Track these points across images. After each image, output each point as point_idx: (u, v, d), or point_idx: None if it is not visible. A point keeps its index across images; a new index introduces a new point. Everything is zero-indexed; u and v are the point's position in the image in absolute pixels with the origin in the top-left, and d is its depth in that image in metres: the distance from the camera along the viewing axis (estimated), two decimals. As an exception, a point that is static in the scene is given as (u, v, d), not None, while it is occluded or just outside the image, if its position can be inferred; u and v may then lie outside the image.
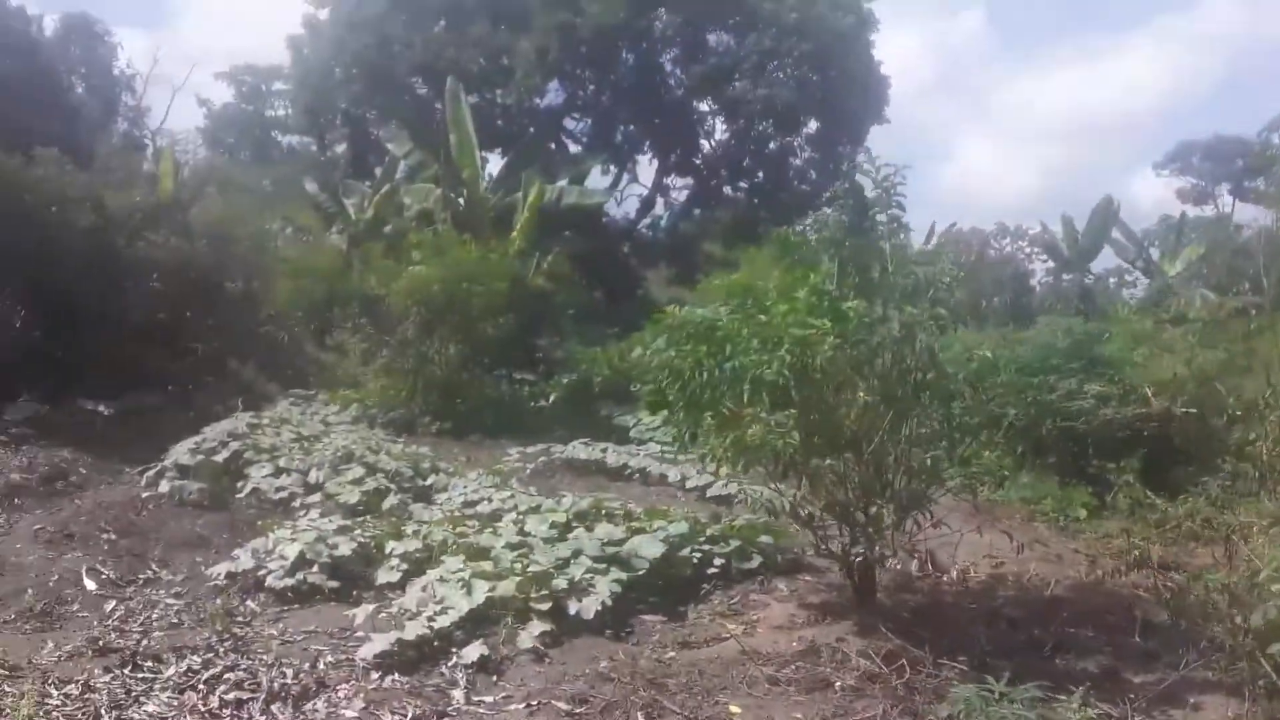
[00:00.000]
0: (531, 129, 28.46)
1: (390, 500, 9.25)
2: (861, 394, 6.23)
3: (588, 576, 6.83)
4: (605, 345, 17.14)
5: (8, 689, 4.95)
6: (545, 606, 6.39)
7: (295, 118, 37.05)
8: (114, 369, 15.80)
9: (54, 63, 25.85)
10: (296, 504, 9.34)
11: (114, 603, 6.57)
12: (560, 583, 6.64)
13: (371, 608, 6.15)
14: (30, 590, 6.62)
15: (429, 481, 10.17)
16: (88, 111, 27.99)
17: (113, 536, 7.99)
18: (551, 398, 15.15)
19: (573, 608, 6.45)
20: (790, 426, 6.27)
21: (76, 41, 30.24)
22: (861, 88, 28.65)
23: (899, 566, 7.41)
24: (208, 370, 17.61)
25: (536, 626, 6.17)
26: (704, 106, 30.38)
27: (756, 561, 7.68)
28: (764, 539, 7.87)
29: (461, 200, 22.19)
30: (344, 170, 29.42)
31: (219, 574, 6.99)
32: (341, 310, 19.21)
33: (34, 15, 26.11)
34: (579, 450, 11.98)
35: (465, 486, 9.78)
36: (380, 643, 5.68)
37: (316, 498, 9.33)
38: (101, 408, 14.76)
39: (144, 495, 9.47)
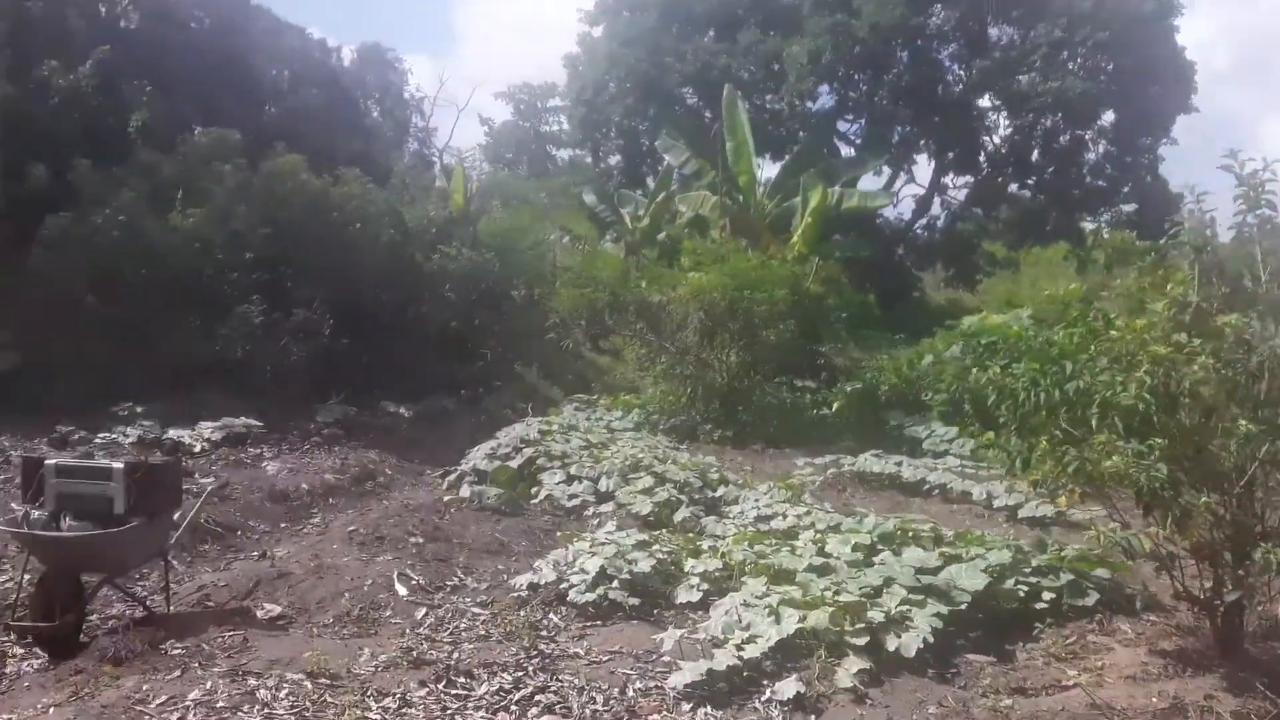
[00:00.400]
0: (803, 133, 27.91)
1: (682, 513, 9.01)
2: (1243, 423, 5.32)
3: (903, 608, 6.25)
4: (886, 351, 16.39)
5: (330, 699, 4.99)
6: (861, 641, 5.85)
7: (571, 132, 38.31)
8: (411, 374, 16.64)
9: (352, 90, 27.84)
10: (589, 512, 9.30)
11: (424, 610, 6.62)
12: (875, 615, 6.11)
13: (679, 632, 5.84)
14: (346, 594, 6.79)
15: (718, 493, 9.87)
16: (382, 133, 30.05)
17: (420, 540, 8.16)
18: (835, 406, 14.57)
19: (891, 644, 5.89)
20: (1156, 458, 5.45)
21: (371, 69, 32.52)
22: (1163, 76, 26.21)
23: (1263, 611, 6.36)
24: (495, 375, 18.24)
25: (854, 663, 5.65)
26: (985, 102, 28.76)
27: (1093, 598, 6.82)
28: (1099, 573, 7.00)
29: (737, 206, 21.96)
30: (618, 180, 30.02)
31: (521, 585, 6.93)
32: (619, 316, 19.38)
33: (333, 47, 28.30)
34: (871, 463, 11.34)
35: (757, 500, 9.40)
36: (690, 672, 5.35)
37: (608, 507, 9.25)
38: (402, 410, 15.51)
39: (445, 499, 9.72)
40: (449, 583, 7.27)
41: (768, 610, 6.10)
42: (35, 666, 5.72)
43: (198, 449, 11.40)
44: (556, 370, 21.48)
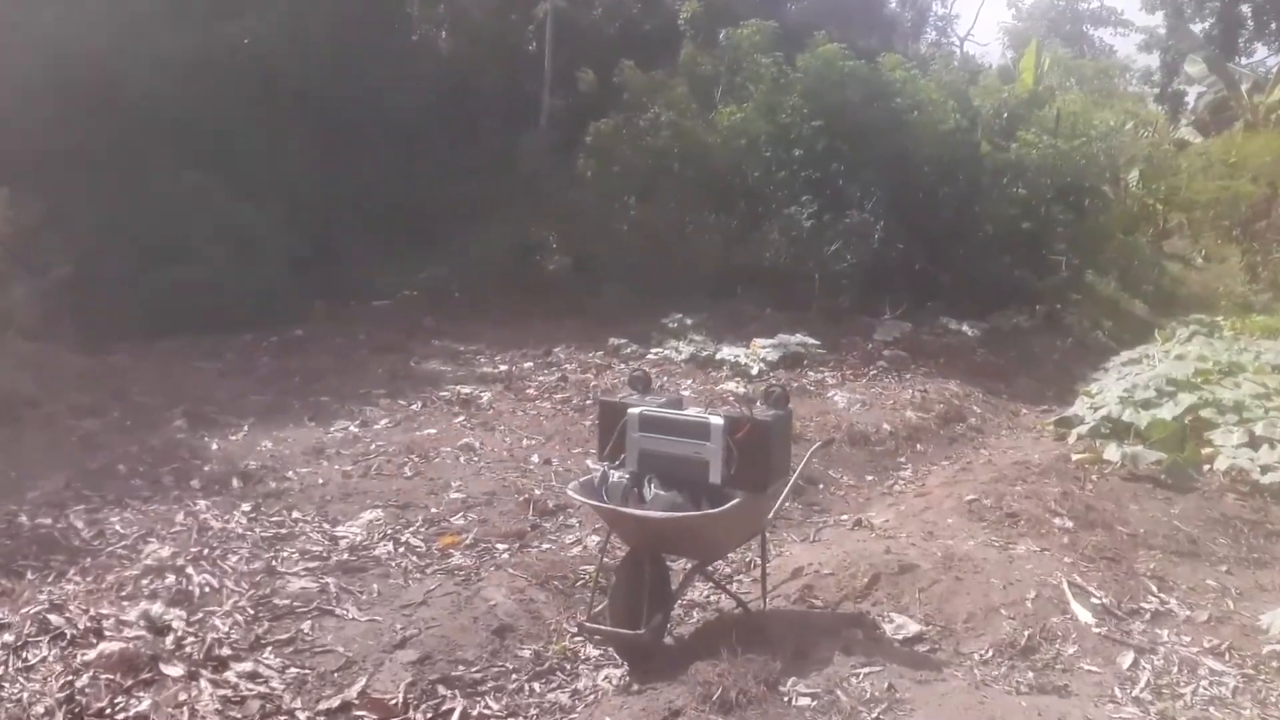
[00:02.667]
0: None
1: None
2: None
3: None
4: None
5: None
6: None
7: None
8: (973, 284, 14.27)
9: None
10: (1303, 496, 6.50)
11: (1127, 654, 4.46)
12: None
13: None
14: (1002, 610, 4.81)
15: None
16: (901, 23, 28.56)
17: (1068, 524, 5.97)
18: None
19: None
20: None
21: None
22: None
23: None
24: (1071, 287, 15.30)
25: None
26: None
27: None
28: None
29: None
30: (1211, 48, 24.71)
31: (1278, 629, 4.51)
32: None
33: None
34: None
35: None
36: None
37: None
38: (965, 328, 13.25)
39: (1073, 456, 7.40)
40: (1144, 604, 5.01)
41: None
42: (614, 681, 4.41)
43: (754, 371, 10.07)
44: (1131, 282, 17.93)
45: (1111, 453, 7.07)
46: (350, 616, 4.62)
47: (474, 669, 4.34)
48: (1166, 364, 8.87)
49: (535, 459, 7.22)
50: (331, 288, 14.05)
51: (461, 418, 8.25)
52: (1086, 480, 6.85)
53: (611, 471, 4.75)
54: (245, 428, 7.72)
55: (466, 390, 8.86)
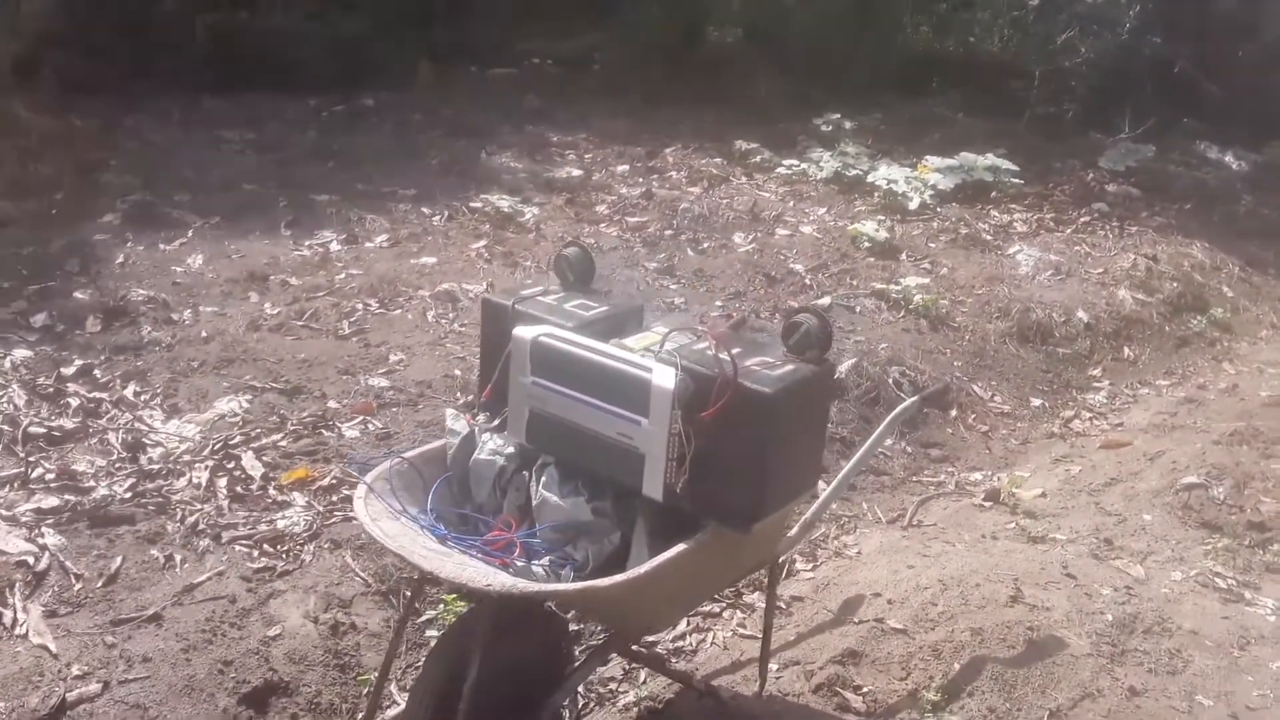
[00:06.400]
0: None
1: None
2: None
3: None
4: None
5: None
6: None
7: None
8: (1251, 100, 10.67)
9: None
10: None
11: None
12: None
13: None
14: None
15: None
16: None
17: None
18: None
19: None
20: None
21: None
22: None
23: None
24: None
25: None
26: None
27: None
28: None
29: None
30: None
31: None
32: None
33: None
34: None
35: None
36: None
37: None
38: (1229, 159, 9.90)
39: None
40: None
41: None
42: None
43: (914, 203, 7.35)
44: None
45: None
46: (24, 630, 2.70)
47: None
48: None
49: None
50: (452, 49, 11.88)
51: (481, 243, 6.09)
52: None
53: (483, 434, 2.55)
54: (190, 233, 5.83)
55: (509, 203, 6.64)
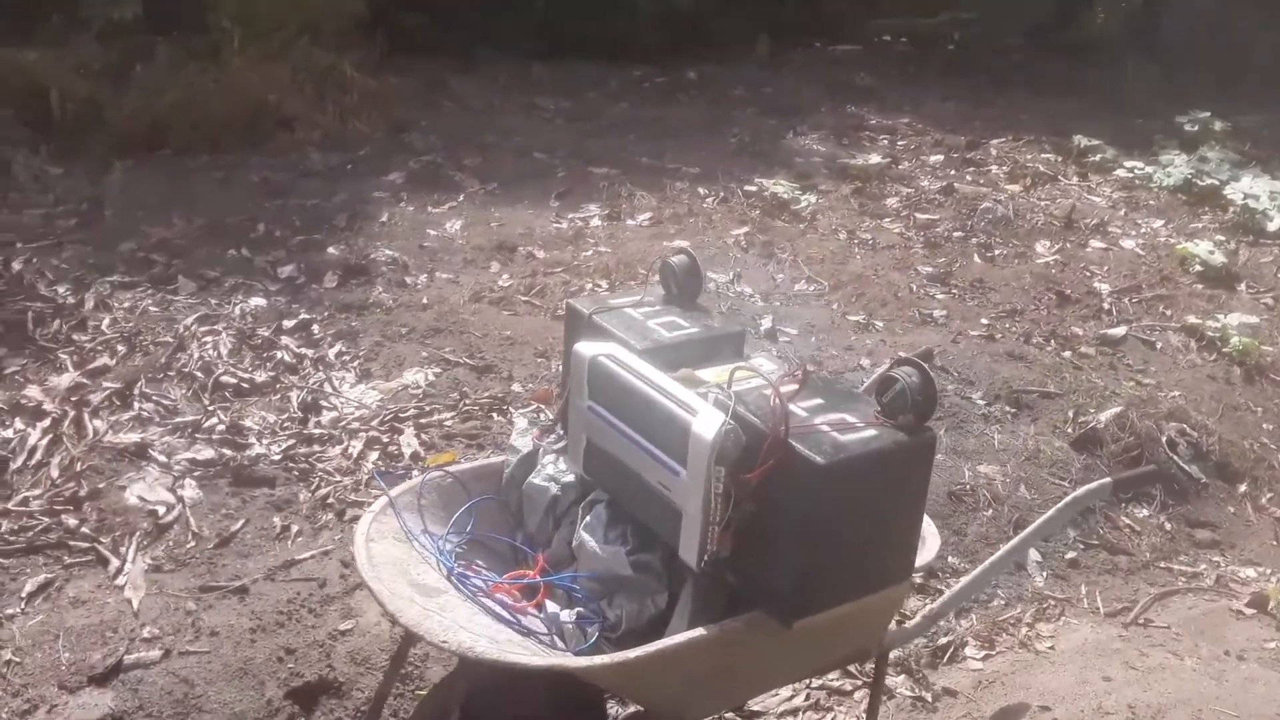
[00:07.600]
0: None
1: None
2: None
3: None
4: None
5: None
6: None
7: None
8: None
9: None
10: None
11: None
12: None
13: None
14: None
15: None
16: None
17: None
18: None
19: None
20: None
21: None
22: None
23: None
24: None
25: None
26: None
27: None
28: None
29: None
30: None
31: None
32: None
33: None
34: None
35: None
36: None
37: None
38: None
39: None
40: None
41: None
42: None
43: (1273, 226, 6.05)
44: None
45: None
46: (122, 582, 2.74)
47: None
48: None
49: (769, 320, 4.63)
50: (799, 24, 11.50)
51: (744, 230, 5.71)
52: None
53: (545, 454, 2.25)
54: (461, 197, 5.93)
55: (786, 189, 6.19)
